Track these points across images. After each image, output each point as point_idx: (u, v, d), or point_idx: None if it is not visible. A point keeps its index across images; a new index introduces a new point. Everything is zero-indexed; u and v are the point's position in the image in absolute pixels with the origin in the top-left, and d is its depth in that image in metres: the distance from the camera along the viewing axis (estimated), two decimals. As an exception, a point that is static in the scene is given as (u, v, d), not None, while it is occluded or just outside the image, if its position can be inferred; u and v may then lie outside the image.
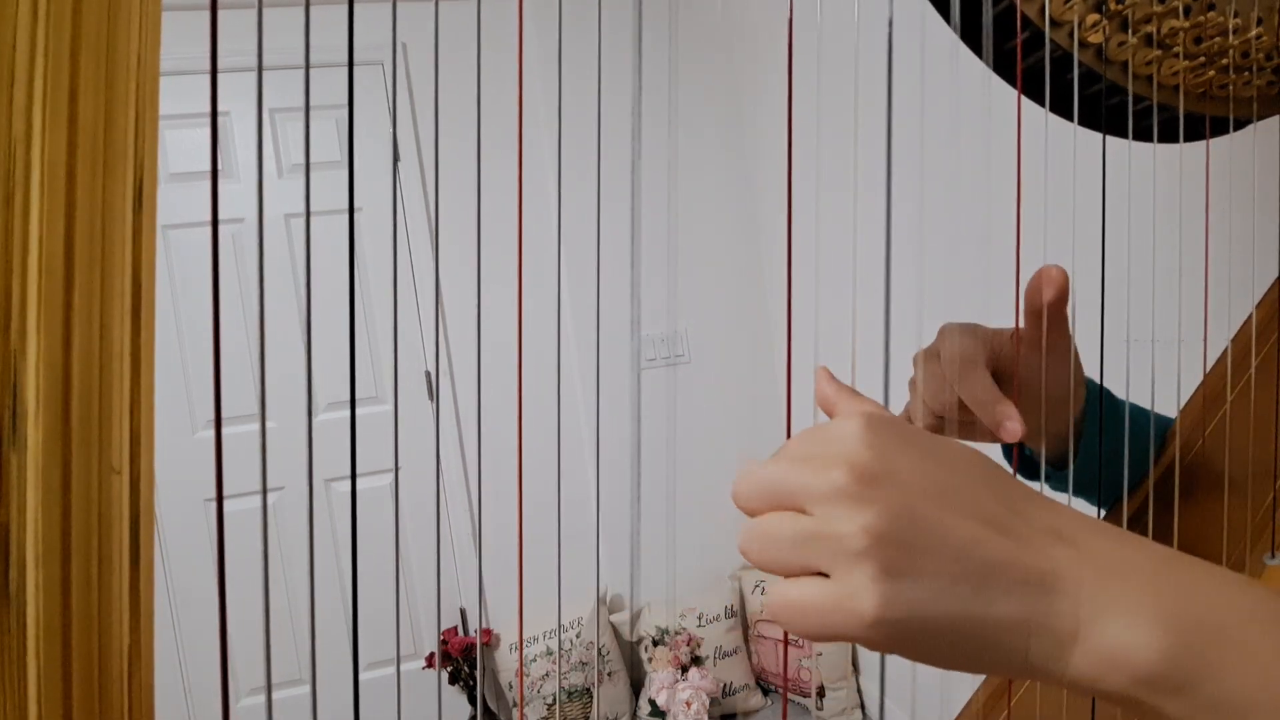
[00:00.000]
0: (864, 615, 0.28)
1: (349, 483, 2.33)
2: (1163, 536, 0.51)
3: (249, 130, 2.21)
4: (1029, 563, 0.29)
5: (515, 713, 2.25)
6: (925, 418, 0.51)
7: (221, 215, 2.21)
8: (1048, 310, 0.47)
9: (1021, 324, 0.50)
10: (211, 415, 2.19)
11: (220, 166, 2.25)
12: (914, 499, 0.30)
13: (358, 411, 2.33)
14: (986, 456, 0.33)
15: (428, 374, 2.38)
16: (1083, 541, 0.31)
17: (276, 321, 2.27)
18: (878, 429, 0.31)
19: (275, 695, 2.27)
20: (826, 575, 0.30)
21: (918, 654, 0.30)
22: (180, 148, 2.18)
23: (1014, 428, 0.47)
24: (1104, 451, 0.53)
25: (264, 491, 0.39)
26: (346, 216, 2.37)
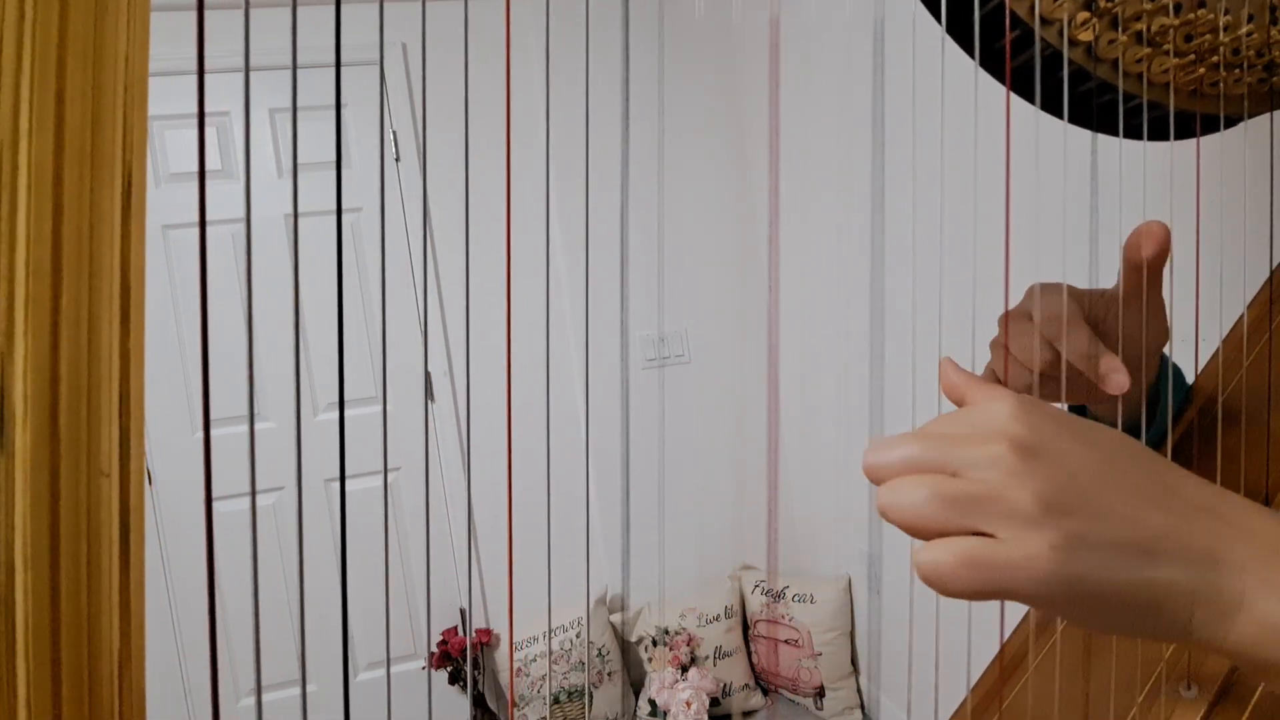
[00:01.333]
0: (1039, 574, 0.30)
1: (348, 482, 2.33)
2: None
3: (251, 129, 2.21)
4: (1190, 537, 0.31)
5: (513, 712, 2.25)
6: (1017, 376, 0.51)
7: (223, 215, 2.22)
8: (1147, 267, 0.46)
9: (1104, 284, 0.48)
10: (213, 415, 2.19)
11: (221, 166, 2.25)
12: (1075, 472, 0.31)
13: (359, 411, 2.33)
14: (1134, 439, 0.34)
15: (428, 374, 2.38)
16: (1238, 519, 0.32)
17: (278, 321, 2.27)
18: (1031, 408, 0.33)
19: (279, 694, 2.28)
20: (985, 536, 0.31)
21: (1082, 616, 0.32)
22: (182, 147, 2.18)
23: (1120, 380, 0.46)
24: (1169, 424, 0.53)
25: (253, 493, 0.39)
26: (344, 216, 2.36)
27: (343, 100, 2.30)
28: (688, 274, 2.50)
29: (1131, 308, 0.48)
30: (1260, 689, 0.44)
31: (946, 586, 0.31)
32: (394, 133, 2.35)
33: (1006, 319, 0.50)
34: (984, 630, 0.49)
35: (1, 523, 0.36)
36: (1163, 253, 0.46)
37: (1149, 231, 0.45)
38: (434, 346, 2.40)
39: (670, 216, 2.48)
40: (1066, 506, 0.31)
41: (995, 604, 0.47)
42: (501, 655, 2.31)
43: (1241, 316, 0.55)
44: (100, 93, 0.39)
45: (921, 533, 0.32)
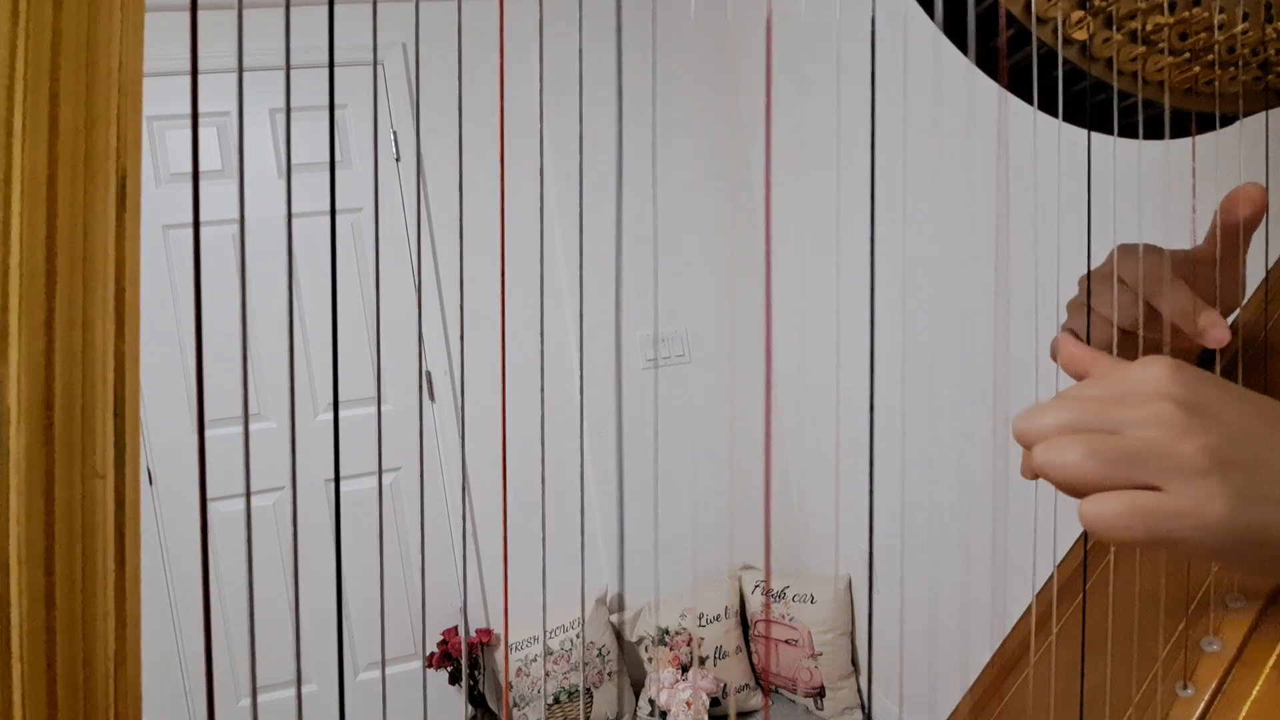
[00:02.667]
0: (1209, 522, 0.31)
1: (347, 483, 2.33)
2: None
3: (251, 130, 2.21)
4: None
5: (514, 713, 2.25)
6: (1101, 335, 0.50)
7: (224, 214, 2.22)
8: (1244, 228, 0.46)
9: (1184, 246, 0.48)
10: (213, 415, 2.19)
11: (222, 166, 2.25)
12: (1236, 428, 0.33)
13: (357, 412, 2.33)
14: None
15: (428, 374, 2.38)
16: None
17: (275, 322, 2.27)
18: (1185, 370, 0.34)
19: (276, 695, 2.28)
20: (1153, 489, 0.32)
21: (1249, 563, 0.33)
22: (184, 147, 2.19)
23: (1221, 334, 0.46)
24: None
25: (248, 494, 0.39)
26: (345, 216, 2.36)
27: (344, 100, 2.30)
28: (687, 274, 2.50)
29: (1213, 269, 0.48)
30: (1258, 686, 0.44)
31: (1113, 536, 0.33)
32: (395, 133, 2.35)
33: (1088, 278, 0.50)
34: (987, 628, 0.49)
35: (-5, 524, 0.36)
36: (1259, 214, 0.46)
37: (1246, 194, 0.45)
38: (435, 347, 2.40)
39: (668, 216, 2.48)
40: (1232, 459, 0.32)
41: (994, 604, 0.47)
42: (501, 655, 2.31)
43: (1235, 318, 0.55)
44: (94, 94, 0.39)
45: (1080, 489, 0.33)
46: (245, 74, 2.16)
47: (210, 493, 2.24)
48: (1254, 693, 0.44)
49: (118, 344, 0.41)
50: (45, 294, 0.38)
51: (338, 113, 2.25)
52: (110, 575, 0.40)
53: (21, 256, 0.37)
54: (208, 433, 2.26)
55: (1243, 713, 0.44)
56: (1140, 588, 0.49)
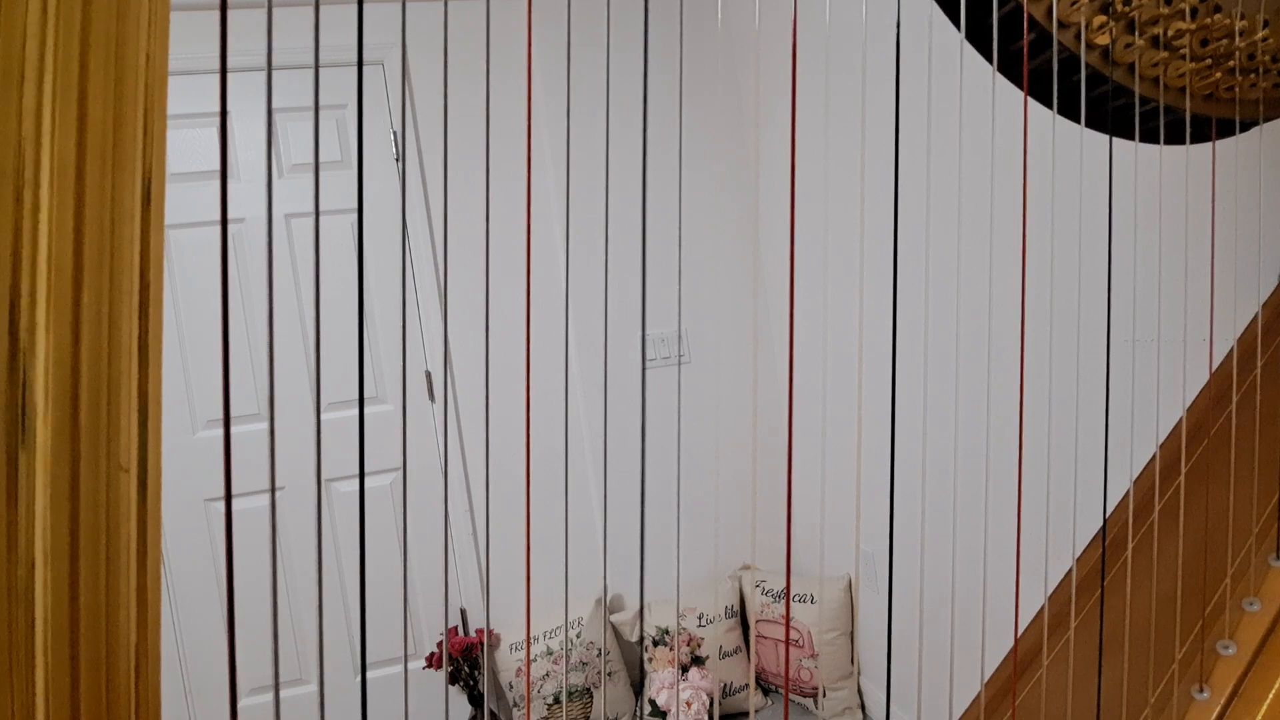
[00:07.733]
0: None
1: (349, 483, 2.33)
2: (1168, 536, 0.51)
3: (248, 130, 2.21)
4: None
5: (515, 713, 2.25)
6: None
7: (220, 216, 2.23)
8: None
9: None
10: (213, 415, 2.19)
11: (218, 166, 2.25)
12: None
13: (351, 413, 2.32)
14: None
15: (428, 374, 2.38)
16: None
17: (278, 322, 2.27)
18: None
19: (267, 697, 2.27)
20: None
21: None
22: (181, 148, 2.18)
23: None
24: None
25: (273, 490, 0.39)
26: (345, 216, 2.36)
27: (344, 100, 2.30)
28: (688, 274, 2.50)
29: None
30: (1274, 691, 0.44)
31: None
32: (395, 133, 2.35)
33: None
34: (995, 629, 0.49)
35: (22, 517, 0.36)
36: None
37: None
38: (436, 347, 2.40)
39: (674, 218, 2.48)
40: None
41: (1005, 605, 0.47)
42: (502, 655, 2.31)
43: (1256, 316, 0.55)
44: (122, 91, 0.39)
45: None
46: (242, 74, 2.16)
47: (208, 493, 2.24)
48: (1269, 697, 0.45)
49: (142, 339, 0.41)
50: (73, 288, 0.38)
51: (338, 113, 2.25)
52: (133, 569, 0.40)
53: (50, 250, 0.37)
54: (205, 433, 2.26)
55: (1258, 717, 0.44)
56: (1156, 589, 0.49)
